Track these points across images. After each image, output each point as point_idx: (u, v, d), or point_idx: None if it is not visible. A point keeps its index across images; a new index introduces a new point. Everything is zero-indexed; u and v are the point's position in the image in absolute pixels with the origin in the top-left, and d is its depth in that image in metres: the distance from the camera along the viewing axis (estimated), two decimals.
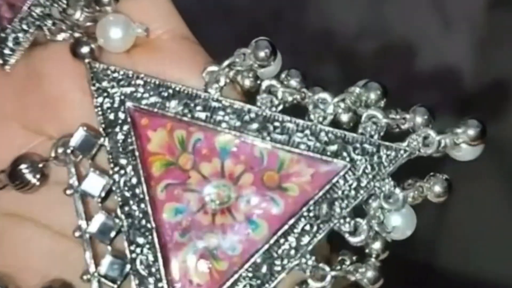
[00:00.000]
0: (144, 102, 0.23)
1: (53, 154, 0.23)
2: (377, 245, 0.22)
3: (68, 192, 0.23)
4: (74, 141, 0.23)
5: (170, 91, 0.23)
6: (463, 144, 0.22)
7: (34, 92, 0.25)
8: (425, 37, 0.48)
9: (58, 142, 0.23)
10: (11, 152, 0.24)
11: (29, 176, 0.23)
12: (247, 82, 0.23)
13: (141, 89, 0.23)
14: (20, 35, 0.25)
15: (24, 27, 0.25)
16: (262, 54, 0.23)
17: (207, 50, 0.25)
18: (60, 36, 0.25)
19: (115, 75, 0.23)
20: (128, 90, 0.23)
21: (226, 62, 0.23)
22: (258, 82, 0.23)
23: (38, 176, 0.23)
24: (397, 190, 0.22)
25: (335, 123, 0.23)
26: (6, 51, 0.25)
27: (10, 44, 0.25)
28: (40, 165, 0.23)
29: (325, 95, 0.23)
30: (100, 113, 0.23)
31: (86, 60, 0.23)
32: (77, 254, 0.23)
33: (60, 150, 0.23)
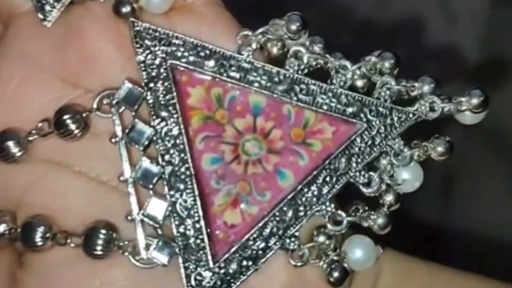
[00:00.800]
0: (183, 60, 0.25)
1: (95, 106, 0.25)
2: (389, 197, 0.25)
3: (114, 140, 0.25)
4: (120, 93, 0.25)
5: (207, 51, 0.25)
6: (467, 111, 0.26)
7: (73, 47, 0.26)
8: (431, 32, 0.48)
9: (102, 94, 0.25)
10: (49, 103, 0.26)
11: (72, 126, 0.25)
12: (275, 50, 0.26)
13: (181, 48, 0.25)
14: None
15: None
16: (294, 27, 0.25)
17: None
18: None
19: (157, 34, 0.25)
20: (169, 49, 0.25)
21: (260, 30, 0.25)
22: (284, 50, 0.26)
23: (81, 126, 0.25)
24: (406, 149, 0.25)
25: (351, 87, 0.26)
26: (47, 7, 0.26)
27: (51, 2, 0.26)
28: (84, 116, 0.25)
29: (345, 62, 0.25)
30: (143, 69, 0.25)
31: (131, 19, 0.25)
32: (113, 198, 0.25)
33: (105, 102, 0.25)
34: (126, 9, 0.25)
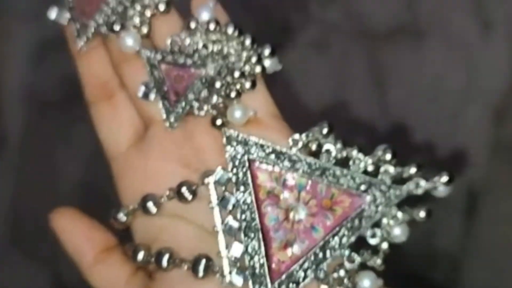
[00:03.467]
0: (255, 155, 0.40)
1: (200, 182, 0.40)
2: (385, 246, 0.38)
3: (210, 205, 0.40)
4: (216, 176, 0.40)
5: (270, 149, 0.39)
6: (440, 187, 0.38)
7: (187, 143, 0.41)
8: (463, 39, 0.45)
9: (204, 174, 0.40)
10: (172, 178, 0.41)
11: (187, 194, 0.40)
12: (314, 147, 0.40)
13: (254, 147, 0.40)
14: (180, 110, 0.42)
15: (183, 105, 0.42)
16: (325, 130, 0.39)
17: None
18: (203, 112, 0.41)
19: (239, 138, 0.40)
20: (246, 148, 0.40)
21: (304, 135, 0.39)
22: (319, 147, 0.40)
23: (192, 194, 0.40)
24: (399, 214, 0.38)
25: (364, 170, 0.39)
26: (172, 119, 0.42)
27: (174, 115, 0.42)
28: (194, 188, 0.40)
29: (360, 155, 0.39)
30: (229, 159, 0.40)
31: (224, 128, 0.40)
32: (210, 240, 0.40)
33: (206, 180, 0.40)
34: (219, 122, 0.40)
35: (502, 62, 0.45)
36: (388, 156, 0.39)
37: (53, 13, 0.44)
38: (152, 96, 0.42)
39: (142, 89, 0.42)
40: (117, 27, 0.41)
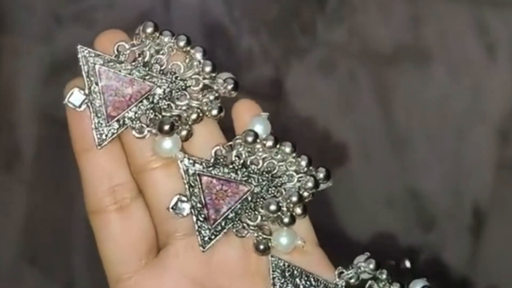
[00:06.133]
0: (302, 286, 0.37)
1: None
2: None
3: None
4: None
5: (317, 282, 0.37)
6: None
7: (217, 268, 0.37)
8: (466, 62, 0.45)
9: None
10: None
11: None
12: (352, 280, 0.38)
13: (300, 278, 0.37)
14: (219, 229, 0.37)
15: (223, 224, 0.37)
16: (372, 266, 0.38)
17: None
18: (244, 233, 0.37)
19: (286, 267, 0.37)
20: (292, 278, 0.37)
21: (345, 275, 0.38)
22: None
23: None
24: None
25: None
26: (206, 239, 0.37)
27: (210, 235, 0.37)
28: None
29: None
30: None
31: (271, 256, 0.37)
32: None
33: None
34: (262, 246, 0.37)
35: (506, 83, 0.45)
36: None
37: (73, 97, 0.36)
38: (187, 211, 0.37)
39: (178, 202, 0.37)
40: (166, 126, 0.36)
